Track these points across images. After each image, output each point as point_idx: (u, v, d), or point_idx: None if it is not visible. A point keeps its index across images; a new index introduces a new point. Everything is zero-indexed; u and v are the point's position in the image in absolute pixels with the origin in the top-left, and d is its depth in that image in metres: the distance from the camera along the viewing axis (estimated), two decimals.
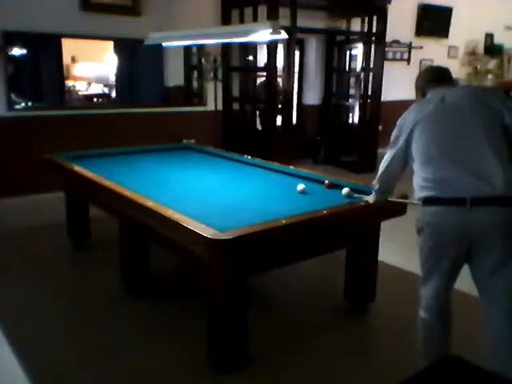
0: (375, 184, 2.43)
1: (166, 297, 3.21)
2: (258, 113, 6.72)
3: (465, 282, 2.20)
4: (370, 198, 2.56)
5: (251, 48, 6.40)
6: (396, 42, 8.20)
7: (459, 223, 1.94)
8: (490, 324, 2.05)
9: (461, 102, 2.05)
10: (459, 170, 1.95)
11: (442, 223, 1.99)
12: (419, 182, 2.06)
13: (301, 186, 2.96)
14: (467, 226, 1.93)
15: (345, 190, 2.81)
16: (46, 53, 5.63)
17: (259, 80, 6.66)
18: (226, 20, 6.23)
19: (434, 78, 2.23)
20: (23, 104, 5.45)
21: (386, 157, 2.26)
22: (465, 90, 2.14)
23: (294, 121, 7.78)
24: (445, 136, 2.02)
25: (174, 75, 6.60)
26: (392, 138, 2.21)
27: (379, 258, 2.99)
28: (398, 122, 2.20)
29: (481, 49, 9.82)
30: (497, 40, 9.91)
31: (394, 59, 8.30)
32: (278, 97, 6.36)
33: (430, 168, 2.02)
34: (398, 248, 4.01)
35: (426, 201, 2.02)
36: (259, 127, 6.81)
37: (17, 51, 5.31)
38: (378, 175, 2.37)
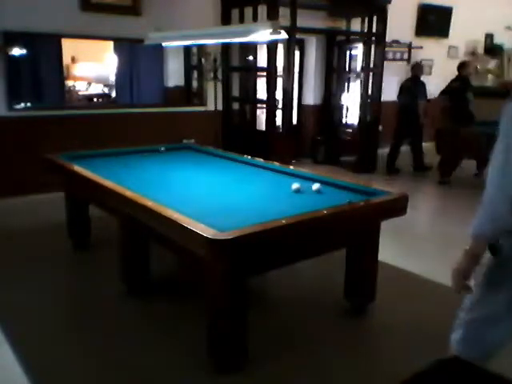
0: (478, 228, 1.53)
1: (166, 297, 3.21)
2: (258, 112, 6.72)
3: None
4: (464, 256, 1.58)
5: (251, 48, 6.40)
6: (396, 42, 8.20)
7: None
8: None
9: None
10: None
11: None
12: None
13: (295, 185, 2.96)
14: None
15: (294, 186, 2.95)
16: (46, 53, 5.63)
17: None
18: (225, 20, 6.23)
19: None
20: (23, 104, 5.45)
21: (497, 171, 1.48)
22: None
23: (295, 121, 7.78)
24: None
25: (174, 75, 6.61)
26: (497, 151, 1.47)
27: (379, 258, 2.99)
28: (501, 129, 1.49)
29: (481, 49, 9.82)
30: (497, 40, 9.92)
31: (394, 59, 8.30)
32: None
33: None
34: (398, 248, 4.01)
35: None
36: (259, 127, 6.81)
37: (17, 51, 5.30)
38: (485, 210, 1.51)
